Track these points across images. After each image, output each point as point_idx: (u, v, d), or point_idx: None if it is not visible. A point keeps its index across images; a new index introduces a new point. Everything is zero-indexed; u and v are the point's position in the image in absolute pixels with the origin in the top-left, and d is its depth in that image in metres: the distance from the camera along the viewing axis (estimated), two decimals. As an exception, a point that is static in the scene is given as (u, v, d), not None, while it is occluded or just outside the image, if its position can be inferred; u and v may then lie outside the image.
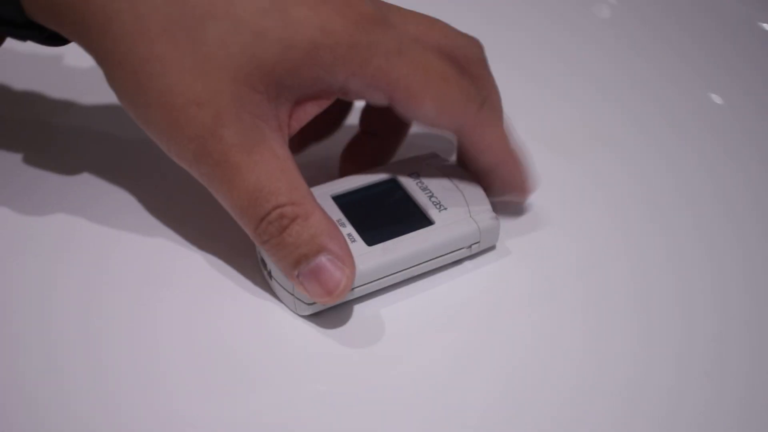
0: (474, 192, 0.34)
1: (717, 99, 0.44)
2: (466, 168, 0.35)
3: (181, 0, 0.28)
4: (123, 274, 0.33)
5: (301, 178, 0.30)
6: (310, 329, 0.32)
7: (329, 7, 0.29)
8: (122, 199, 0.36)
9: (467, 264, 0.34)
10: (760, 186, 0.39)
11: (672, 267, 0.35)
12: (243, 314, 0.32)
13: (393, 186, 0.34)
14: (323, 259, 0.29)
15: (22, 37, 0.32)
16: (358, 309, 0.32)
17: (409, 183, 0.34)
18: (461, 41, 0.33)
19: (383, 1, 0.32)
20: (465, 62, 0.33)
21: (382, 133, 0.36)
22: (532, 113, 0.42)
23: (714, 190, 0.38)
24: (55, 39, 0.32)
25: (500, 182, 0.34)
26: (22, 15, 0.30)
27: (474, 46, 0.34)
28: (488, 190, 0.34)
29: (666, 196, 0.38)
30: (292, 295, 0.31)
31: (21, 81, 0.41)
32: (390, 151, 0.37)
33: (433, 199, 0.33)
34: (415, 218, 0.32)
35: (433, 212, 0.33)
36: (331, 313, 0.32)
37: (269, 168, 0.29)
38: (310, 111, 0.31)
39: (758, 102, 0.43)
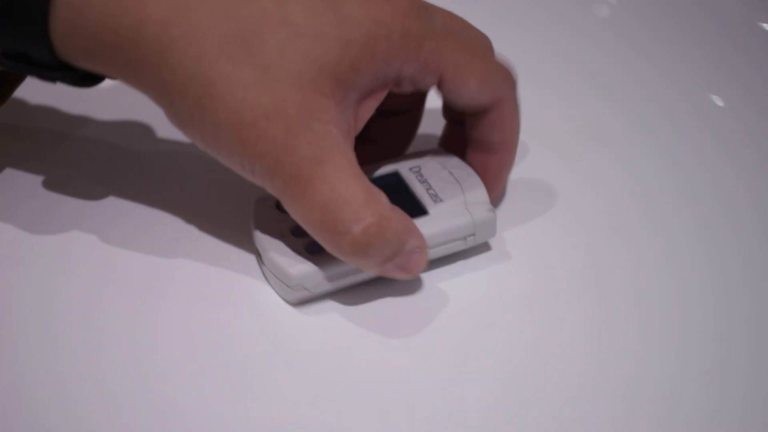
0: (473, 185, 0.34)
1: (717, 99, 0.44)
2: (461, 153, 0.35)
3: (235, 16, 0.28)
4: (122, 274, 0.33)
5: (369, 181, 0.29)
6: (308, 329, 0.32)
7: (378, 0, 0.29)
8: (118, 200, 0.36)
9: (466, 263, 0.34)
10: (761, 186, 0.39)
11: (672, 267, 0.35)
12: (243, 314, 0.32)
13: (394, 179, 0.34)
14: (407, 253, 0.30)
15: (52, 79, 0.30)
16: (356, 309, 0.32)
17: (409, 175, 0.34)
18: (474, 35, 0.34)
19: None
20: None
21: (387, 142, 0.36)
22: (532, 113, 0.42)
23: (714, 190, 0.38)
24: (89, 79, 0.30)
25: (496, 162, 0.35)
26: (52, 56, 0.28)
27: (486, 38, 0.34)
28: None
29: (666, 196, 0.38)
30: (282, 282, 0.31)
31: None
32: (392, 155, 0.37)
33: (430, 191, 0.34)
34: (410, 208, 0.32)
35: (428, 203, 0.33)
36: (331, 314, 0.32)
37: (343, 177, 0.28)
38: (370, 106, 0.30)
39: (758, 102, 0.43)
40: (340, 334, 0.32)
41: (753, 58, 0.46)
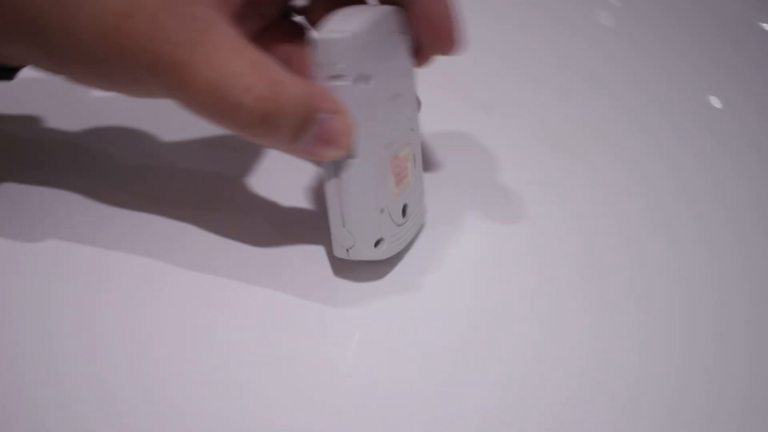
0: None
1: (717, 99, 0.44)
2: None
3: None
4: (116, 275, 0.33)
5: (259, 52, 0.28)
6: (308, 330, 0.32)
7: None
8: (112, 200, 0.36)
9: (465, 261, 0.34)
10: (761, 186, 0.39)
11: (672, 266, 0.35)
12: (240, 316, 0.32)
13: None
14: (322, 120, 0.28)
15: None
16: (356, 310, 0.33)
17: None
18: None
19: None
20: None
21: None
22: (533, 113, 0.42)
23: (714, 190, 0.38)
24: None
25: (430, 14, 0.31)
26: None
27: None
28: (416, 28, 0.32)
29: (666, 196, 0.38)
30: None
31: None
32: None
33: None
34: None
35: None
36: (331, 314, 0.32)
37: (222, 53, 0.27)
38: None
39: (758, 102, 0.43)
40: (340, 334, 0.32)
41: (753, 58, 0.46)
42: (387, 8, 0.31)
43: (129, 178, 0.37)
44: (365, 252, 0.32)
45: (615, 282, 0.34)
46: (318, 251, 0.34)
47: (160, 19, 0.27)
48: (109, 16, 0.27)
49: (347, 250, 0.32)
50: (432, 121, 0.37)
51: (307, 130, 0.28)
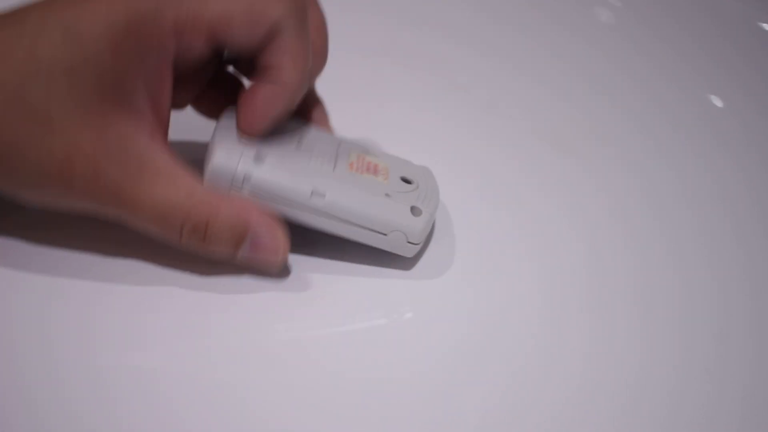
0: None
1: (717, 99, 0.44)
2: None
3: None
4: (116, 283, 0.33)
5: (192, 177, 0.30)
6: (307, 330, 0.32)
7: (101, 1, 0.28)
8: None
9: (466, 260, 0.34)
10: (761, 185, 0.39)
11: (673, 265, 0.35)
12: (238, 320, 0.32)
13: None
14: (254, 234, 0.31)
15: None
16: (356, 311, 0.33)
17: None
18: None
19: None
20: None
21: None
22: (534, 112, 0.42)
23: (714, 189, 0.38)
24: None
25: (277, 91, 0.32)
26: None
27: None
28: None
29: (666, 195, 0.38)
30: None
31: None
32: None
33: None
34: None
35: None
36: (331, 314, 0.32)
37: (160, 186, 0.29)
38: (164, 96, 0.30)
39: (758, 102, 0.43)
40: (340, 336, 0.32)
41: (753, 58, 0.46)
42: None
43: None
44: (416, 226, 0.32)
45: (615, 281, 0.34)
46: (315, 254, 0.34)
47: (99, 162, 0.28)
48: (51, 162, 0.28)
49: (410, 243, 0.32)
50: (432, 122, 0.37)
51: (243, 245, 0.31)
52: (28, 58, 0.28)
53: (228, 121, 0.32)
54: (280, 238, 0.31)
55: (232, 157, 0.31)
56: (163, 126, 0.31)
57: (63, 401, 0.29)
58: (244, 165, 0.31)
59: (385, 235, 0.32)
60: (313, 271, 0.34)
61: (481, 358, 0.31)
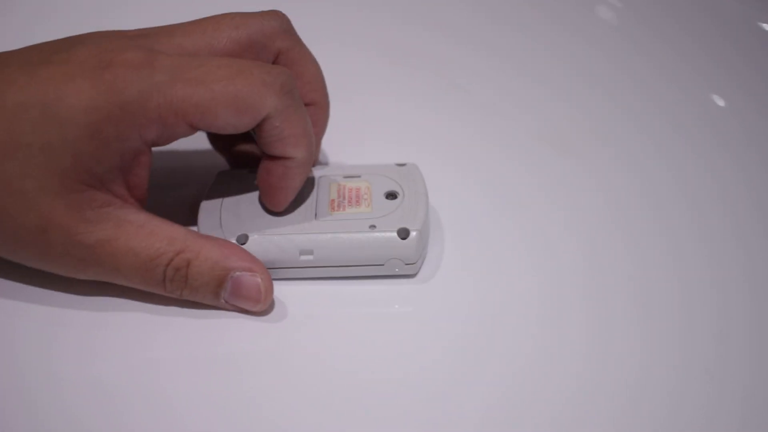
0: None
1: (717, 99, 0.44)
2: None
3: None
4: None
5: (174, 226, 0.31)
6: (309, 332, 0.32)
7: (85, 82, 0.29)
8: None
9: (466, 261, 0.34)
10: (761, 185, 0.39)
11: (673, 265, 0.35)
12: (238, 326, 0.32)
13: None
14: (234, 278, 0.31)
15: None
16: (357, 312, 0.33)
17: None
18: (254, 22, 0.32)
19: (146, 30, 0.32)
20: (267, 41, 0.32)
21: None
22: (534, 112, 0.42)
23: (714, 189, 0.38)
24: None
25: (281, 172, 0.32)
26: None
27: (271, 19, 0.33)
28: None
29: (667, 195, 0.38)
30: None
31: None
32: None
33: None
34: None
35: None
36: (333, 316, 0.32)
37: (138, 239, 0.30)
38: (141, 174, 0.31)
39: (758, 102, 0.43)
40: (340, 338, 0.32)
41: (753, 58, 0.46)
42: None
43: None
44: (407, 249, 0.32)
45: (616, 281, 0.34)
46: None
47: (75, 230, 0.29)
48: (25, 233, 0.29)
49: (408, 264, 0.33)
50: (432, 122, 0.37)
51: (224, 287, 0.31)
52: (5, 135, 0.28)
53: (211, 204, 0.34)
54: (262, 281, 0.31)
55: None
56: (141, 200, 0.31)
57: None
58: None
59: (381, 265, 0.33)
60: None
61: (480, 358, 0.31)
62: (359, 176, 0.35)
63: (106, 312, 0.32)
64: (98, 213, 0.30)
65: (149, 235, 0.30)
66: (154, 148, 0.31)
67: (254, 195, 0.34)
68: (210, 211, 0.34)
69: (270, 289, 0.31)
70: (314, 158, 0.34)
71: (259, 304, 0.31)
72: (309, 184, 0.34)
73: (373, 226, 0.32)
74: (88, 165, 0.29)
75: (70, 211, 0.29)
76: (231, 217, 0.33)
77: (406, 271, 0.33)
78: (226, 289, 0.31)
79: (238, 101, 0.30)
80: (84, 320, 0.31)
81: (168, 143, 0.31)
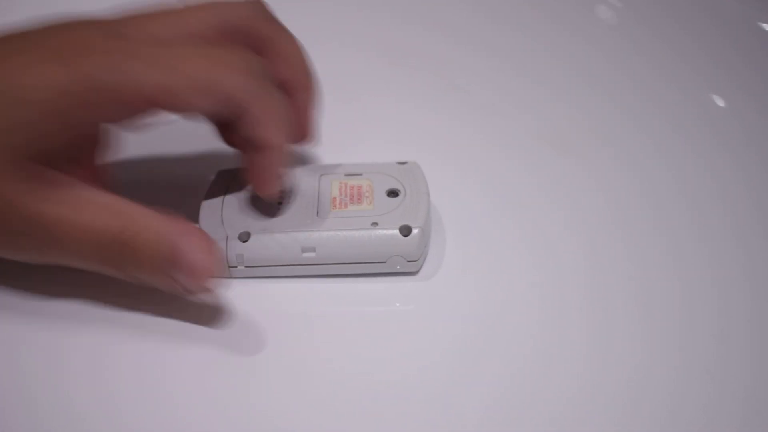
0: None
1: (717, 99, 0.44)
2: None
3: None
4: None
5: (125, 201, 0.30)
6: (311, 332, 0.32)
7: (51, 66, 0.28)
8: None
9: (465, 262, 0.34)
10: (761, 185, 0.39)
11: (673, 266, 0.35)
12: (242, 324, 0.32)
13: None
14: (180, 252, 0.29)
15: None
16: (357, 313, 0.33)
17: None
18: (232, 9, 0.32)
19: (121, 16, 0.31)
20: (248, 28, 0.32)
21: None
22: (534, 112, 0.42)
23: (715, 190, 0.38)
24: None
25: (264, 161, 0.32)
26: None
27: (249, 6, 0.33)
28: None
29: (667, 195, 0.38)
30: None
31: None
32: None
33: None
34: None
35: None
36: (334, 317, 0.32)
37: (88, 214, 0.29)
38: (103, 154, 0.31)
39: (758, 102, 0.43)
40: (341, 339, 0.32)
41: (753, 58, 0.46)
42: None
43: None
44: (409, 246, 0.32)
45: (615, 281, 0.34)
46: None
47: (32, 210, 0.29)
48: None
49: (410, 261, 0.33)
50: (432, 122, 0.37)
51: (171, 261, 0.29)
52: None
53: (211, 202, 0.34)
54: (208, 255, 0.30)
55: (219, 243, 0.32)
56: (104, 181, 0.31)
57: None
58: (233, 248, 0.32)
59: (383, 262, 0.33)
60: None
61: (476, 360, 0.31)
62: (361, 174, 0.35)
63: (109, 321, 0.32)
64: (53, 192, 0.29)
65: (100, 209, 0.30)
66: (157, 150, 0.31)
67: (255, 193, 0.34)
68: (211, 209, 0.34)
69: (218, 264, 0.30)
70: (310, 140, 0.33)
71: (205, 279, 0.30)
72: (311, 182, 0.34)
73: (375, 224, 0.33)
74: (43, 147, 0.29)
75: (28, 192, 0.29)
76: (232, 215, 0.33)
77: (408, 268, 0.33)
78: (172, 265, 0.29)
79: (202, 83, 0.29)
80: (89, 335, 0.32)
81: (134, 125, 0.31)
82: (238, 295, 0.32)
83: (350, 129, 0.39)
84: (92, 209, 0.30)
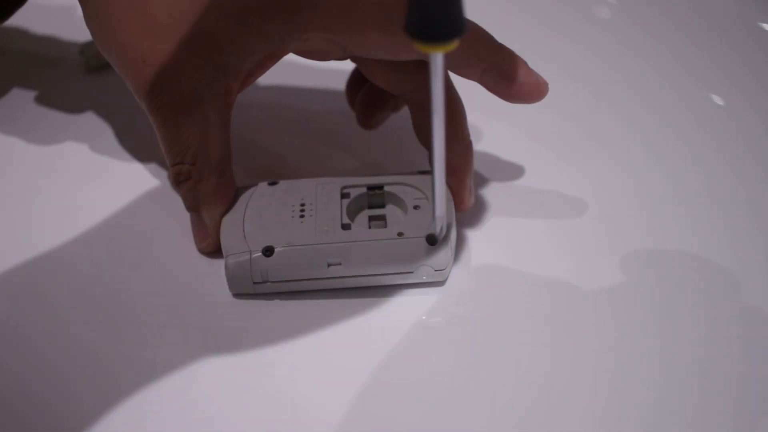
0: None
1: (717, 99, 0.44)
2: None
3: None
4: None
5: (219, 145, 0.32)
6: (314, 333, 0.32)
7: None
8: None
9: (466, 263, 0.34)
10: (760, 186, 0.39)
11: (671, 267, 0.35)
12: (245, 324, 0.32)
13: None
14: (197, 218, 0.33)
15: None
16: (359, 314, 0.33)
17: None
18: None
19: None
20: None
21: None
22: (532, 114, 0.42)
23: (713, 191, 0.38)
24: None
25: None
26: None
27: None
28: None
29: (665, 197, 0.38)
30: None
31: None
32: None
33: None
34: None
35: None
36: (337, 318, 0.32)
37: (190, 129, 0.31)
38: (259, 72, 0.32)
39: (758, 102, 0.43)
40: (341, 339, 0.32)
41: (753, 58, 0.46)
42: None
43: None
44: (437, 256, 0.32)
45: (612, 283, 0.34)
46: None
47: (163, 78, 0.31)
48: (131, 53, 0.31)
49: (438, 270, 0.32)
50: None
51: (191, 213, 0.34)
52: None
53: (232, 217, 0.33)
54: (204, 241, 0.34)
55: (243, 260, 0.31)
56: (236, 92, 0.33)
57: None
58: (257, 264, 0.31)
59: (410, 272, 0.32)
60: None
61: (478, 364, 0.31)
62: (382, 185, 0.34)
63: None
64: (191, 84, 0.31)
65: (199, 132, 0.31)
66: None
67: (276, 207, 0.33)
68: (232, 224, 0.33)
69: (207, 248, 0.34)
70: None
71: (200, 245, 0.34)
72: (331, 192, 0.34)
73: (400, 234, 0.32)
74: (225, 40, 0.30)
75: (176, 62, 0.30)
76: (255, 229, 0.32)
77: (435, 277, 0.33)
78: (191, 215, 0.33)
79: (390, 24, 0.30)
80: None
81: (306, 55, 0.32)
82: (261, 311, 0.32)
83: (357, 133, 0.39)
84: (191, 129, 0.32)
